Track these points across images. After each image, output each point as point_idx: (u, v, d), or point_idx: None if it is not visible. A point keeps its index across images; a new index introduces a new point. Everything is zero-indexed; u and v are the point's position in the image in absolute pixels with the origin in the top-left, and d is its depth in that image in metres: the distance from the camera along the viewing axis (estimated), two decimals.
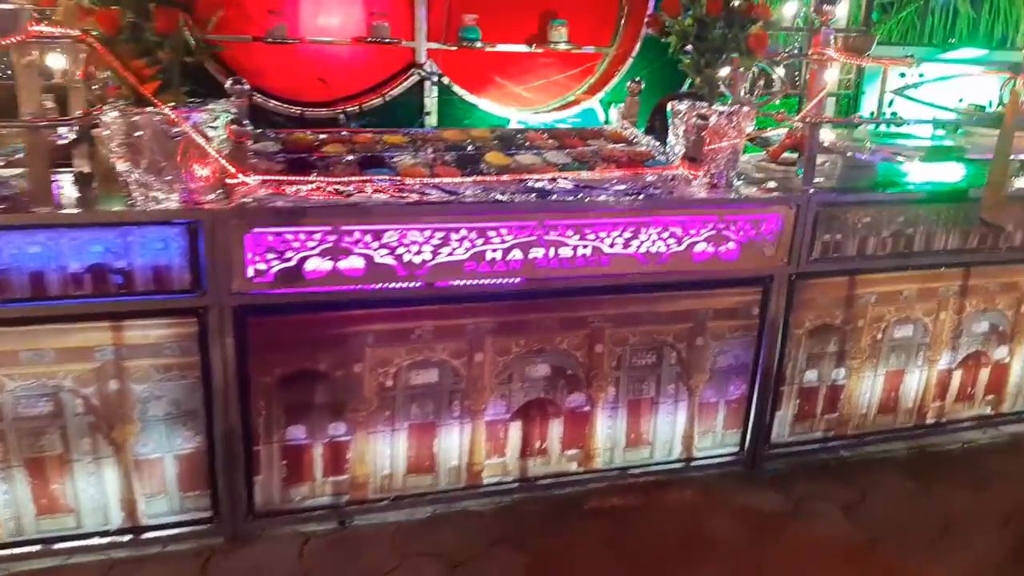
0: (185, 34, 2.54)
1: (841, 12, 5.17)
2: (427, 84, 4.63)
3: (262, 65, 4.72)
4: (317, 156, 3.01)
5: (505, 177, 2.83)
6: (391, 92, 4.62)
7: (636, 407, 3.18)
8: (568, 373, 3.05)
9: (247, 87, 3.11)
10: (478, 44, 4.65)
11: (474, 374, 2.95)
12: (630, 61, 4.80)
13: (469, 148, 3.19)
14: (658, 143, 3.30)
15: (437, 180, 2.78)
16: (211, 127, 2.58)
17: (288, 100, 4.72)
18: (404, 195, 2.71)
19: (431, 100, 4.65)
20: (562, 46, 4.72)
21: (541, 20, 4.88)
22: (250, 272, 2.60)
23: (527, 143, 3.30)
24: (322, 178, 2.71)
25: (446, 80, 4.64)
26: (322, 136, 3.26)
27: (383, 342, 2.83)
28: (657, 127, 3.37)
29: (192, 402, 2.73)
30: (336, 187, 2.70)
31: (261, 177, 2.67)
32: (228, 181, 2.62)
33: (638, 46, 4.81)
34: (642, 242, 2.88)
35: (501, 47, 4.76)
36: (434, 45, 4.66)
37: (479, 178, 2.81)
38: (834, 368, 3.41)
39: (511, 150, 3.19)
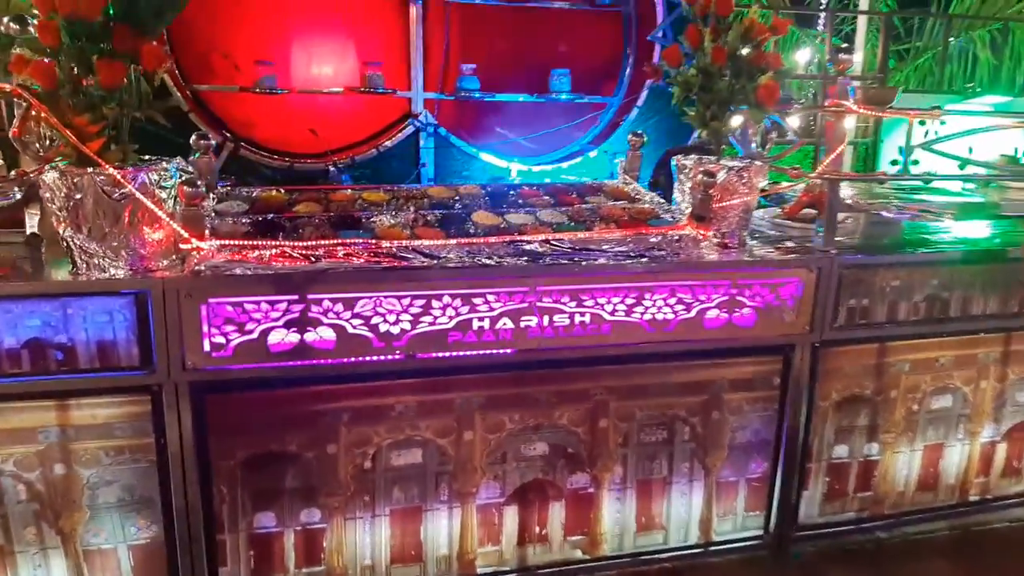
0: (138, 86, 2.30)
1: (856, 59, 4.93)
2: (423, 135, 4.41)
3: (252, 115, 4.52)
4: (287, 216, 2.74)
5: (493, 239, 2.55)
6: (385, 143, 4.40)
7: (647, 488, 2.84)
8: (569, 451, 2.73)
9: (211, 142, 2.87)
10: (476, 94, 4.43)
11: (463, 454, 2.63)
12: (635, 111, 4.57)
13: (456, 207, 2.92)
14: (662, 200, 3.02)
15: (417, 243, 2.50)
16: (162, 187, 2.32)
17: (278, 151, 4.51)
18: (380, 260, 2.43)
19: (428, 151, 4.42)
20: (564, 96, 4.49)
21: (542, 69, 4.67)
22: (207, 346, 2.32)
23: (520, 200, 3.02)
24: (287, 242, 2.43)
25: (443, 131, 4.41)
26: (295, 195, 3.00)
27: (360, 420, 2.53)
28: (662, 182, 3.10)
29: (147, 488, 2.43)
30: (303, 252, 2.43)
31: (219, 242, 2.39)
32: (182, 247, 2.35)
33: (644, 95, 4.58)
34: (647, 308, 2.58)
35: (501, 97, 4.54)
36: (431, 95, 4.44)
37: (464, 240, 2.52)
38: (866, 443, 3.07)
39: (502, 208, 2.91)
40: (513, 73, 4.63)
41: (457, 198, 3.00)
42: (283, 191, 3.02)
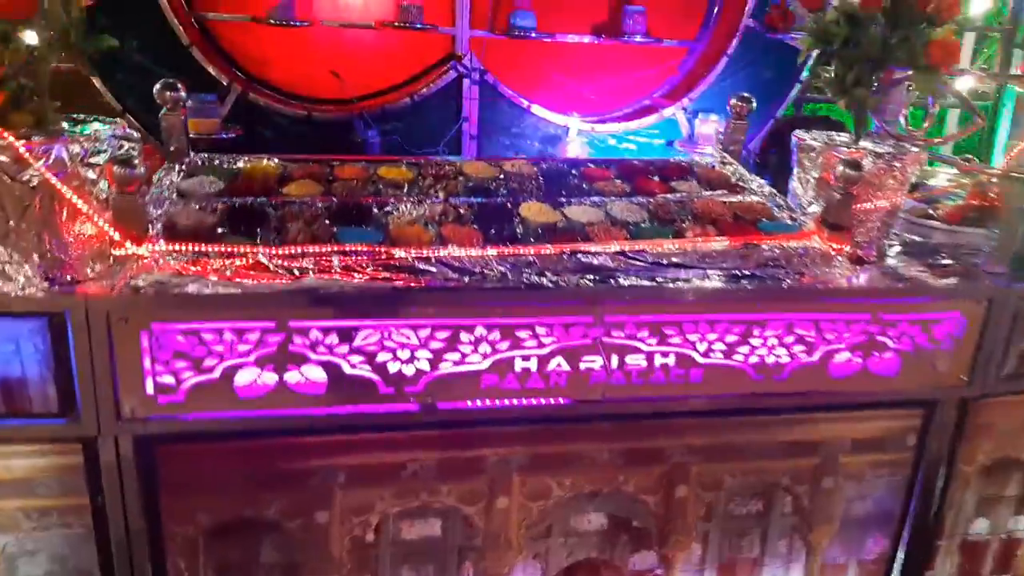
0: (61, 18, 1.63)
1: None
2: (467, 82, 3.67)
3: (267, 52, 3.82)
4: (275, 201, 2.06)
5: (548, 249, 1.84)
6: (421, 91, 3.67)
7: (731, 570, 2.18)
8: (634, 525, 2.07)
9: (180, 94, 2.19)
10: (533, 34, 3.66)
11: (495, 526, 1.98)
12: (724, 61, 3.76)
13: (500, 192, 2.21)
14: (773, 190, 2.26)
15: (443, 252, 1.81)
16: (91, 165, 1.66)
17: (296, 96, 3.81)
18: (391, 276, 1.75)
19: (471, 103, 3.68)
20: (638, 38, 3.71)
21: (613, 6, 3.87)
22: (150, 388, 1.68)
23: (584, 185, 2.30)
24: (260, 248, 1.76)
25: (491, 77, 3.66)
26: (290, 167, 2.32)
27: (359, 481, 1.89)
28: (772, 162, 2.33)
29: (83, 559, 1.84)
30: (287, 260, 1.75)
31: (169, 246, 1.73)
32: (116, 252, 1.70)
33: (735, 42, 3.76)
34: (753, 349, 1.87)
35: (562, 37, 3.77)
36: (478, 33, 3.69)
37: (507, 250, 1.82)
38: (1012, 515, 2.36)
39: (560, 196, 2.19)
40: (575, 9, 3.84)
41: (501, 179, 2.29)
42: (276, 162, 2.34)
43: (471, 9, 3.61)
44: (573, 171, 2.37)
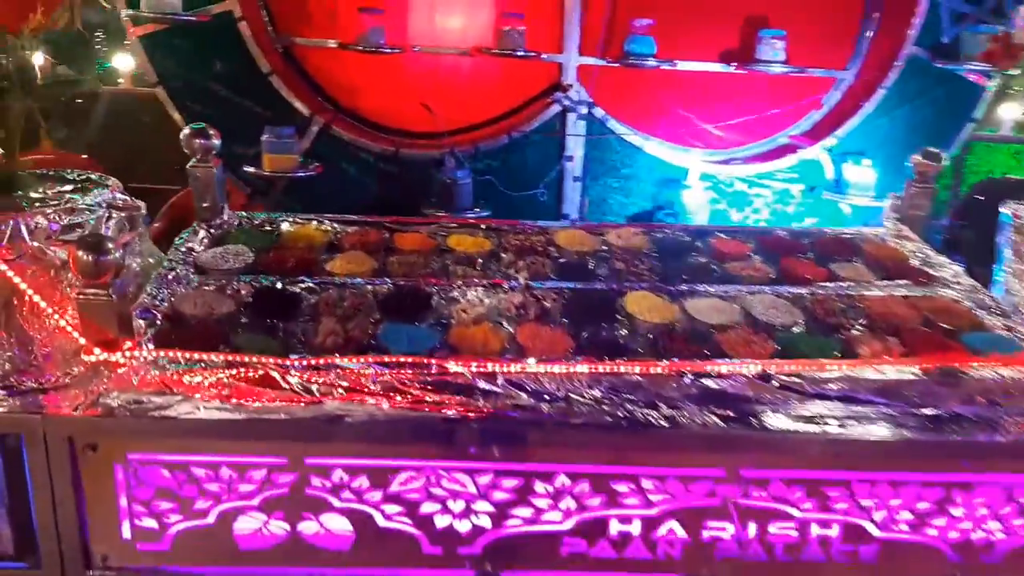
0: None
1: None
2: (572, 116, 3.21)
3: (353, 82, 3.47)
4: (312, 282, 1.65)
5: (660, 366, 1.32)
6: (521, 127, 3.23)
7: None
8: None
9: (212, 142, 1.82)
10: (651, 61, 3.16)
11: None
12: (879, 94, 3.15)
13: (600, 273, 1.72)
14: (974, 282, 1.67)
15: (515, 367, 1.32)
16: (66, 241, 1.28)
17: (383, 129, 3.43)
18: (443, 398, 1.28)
19: (576, 140, 3.21)
20: (776, 67, 3.15)
21: (746, 30, 3.32)
22: (127, 531, 1.28)
23: (713, 264, 1.78)
24: (272, 359, 1.32)
25: (600, 111, 3.19)
26: (341, 231, 1.90)
27: None
28: (968, 240, 1.75)
29: None
30: (308, 374, 1.31)
31: (154, 353, 1.32)
32: (85, 357, 1.30)
33: (894, 73, 3.14)
34: (954, 521, 1.31)
35: (685, 65, 3.25)
36: (587, 60, 3.22)
37: (605, 367, 1.32)
38: None
39: (680, 282, 1.67)
40: (700, 33, 3.31)
41: (603, 254, 1.79)
42: (326, 226, 1.93)
43: (581, 34, 3.14)
44: (698, 244, 1.85)
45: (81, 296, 1.29)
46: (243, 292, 1.61)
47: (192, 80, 3.18)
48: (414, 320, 1.52)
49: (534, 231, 1.92)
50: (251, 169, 3.01)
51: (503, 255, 1.79)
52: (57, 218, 1.36)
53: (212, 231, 1.87)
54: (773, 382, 1.33)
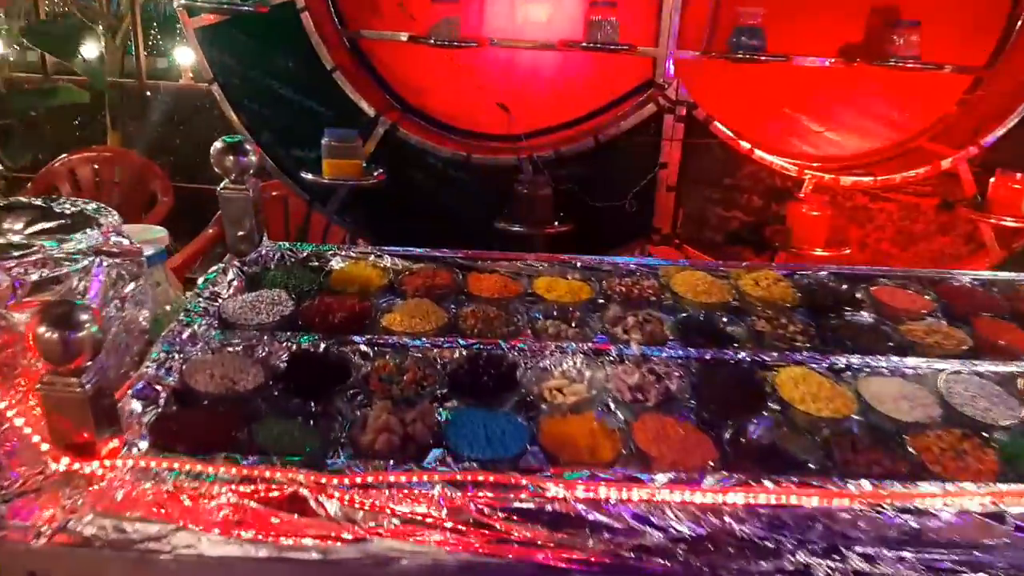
0: None
1: None
2: (669, 118, 2.77)
3: (424, 79, 3.09)
4: (364, 344, 1.28)
5: (846, 493, 0.90)
6: (609, 129, 2.81)
7: None
8: None
9: (250, 158, 1.48)
10: (762, 56, 2.69)
11: None
12: None
13: (736, 334, 1.30)
14: None
15: (640, 494, 0.92)
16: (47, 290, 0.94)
17: (455, 131, 3.05)
18: (533, 533, 0.89)
19: (672, 144, 2.77)
20: (910, 63, 2.65)
21: (873, 21, 2.82)
22: None
23: (884, 321, 1.34)
24: (302, 473, 0.95)
25: (701, 113, 2.74)
26: (405, 270, 1.52)
27: None
28: None
29: None
30: (348, 491, 0.94)
31: (152, 460, 0.97)
32: (52, 465, 0.95)
33: None
34: None
35: (800, 61, 2.76)
36: (687, 54, 2.77)
37: (765, 492, 0.91)
38: None
39: (843, 350, 1.24)
40: (818, 25, 2.82)
41: (735, 304, 1.37)
42: (384, 260, 1.55)
43: (680, 24, 2.69)
44: (858, 294, 1.41)
45: (43, 387, 0.94)
46: (276, 357, 1.24)
47: (249, 77, 2.85)
48: (493, 403, 1.13)
49: (642, 272, 1.51)
50: (310, 176, 2.67)
51: (607, 306, 1.38)
52: (23, 272, 1.01)
53: (245, 269, 1.51)
54: (1009, 523, 0.89)
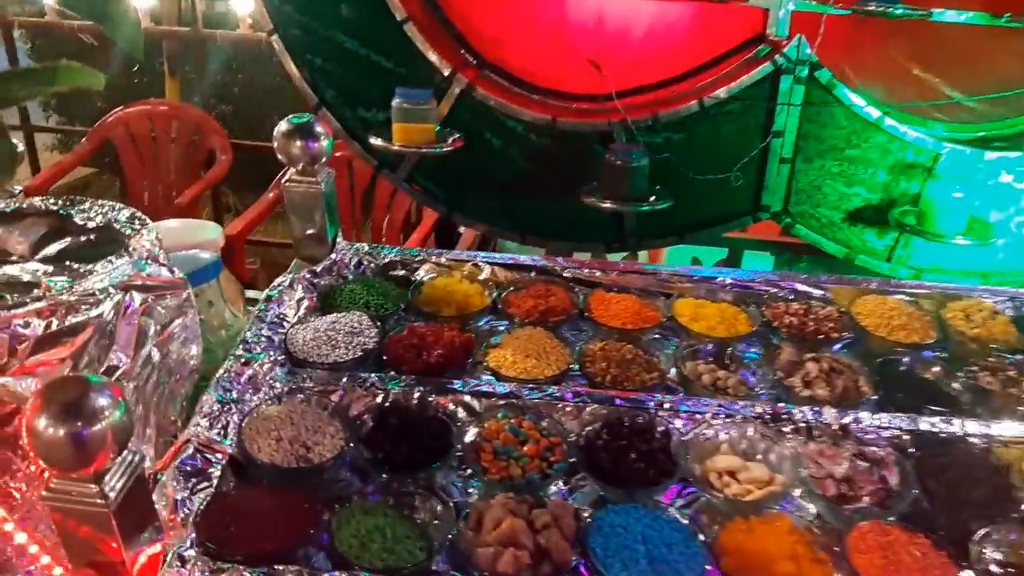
0: None
1: None
2: (786, 80, 2.36)
3: (503, 33, 2.70)
4: (465, 392, 0.96)
5: None
6: (716, 92, 2.41)
7: None
8: None
9: (322, 143, 1.14)
10: (898, 9, 2.25)
11: None
12: None
13: (951, 388, 0.95)
14: None
15: None
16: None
17: (540, 89, 2.67)
18: None
19: (788, 110, 2.37)
20: None
21: None
22: None
23: None
24: None
25: (824, 74, 2.32)
26: (508, 283, 1.19)
27: None
28: None
29: None
30: None
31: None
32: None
33: None
34: None
35: (940, 16, 2.32)
36: (808, 6, 2.34)
37: None
38: None
39: None
40: None
41: (940, 345, 1.02)
42: (483, 269, 1.23)
43: None
44: None
45: (51, 498, 0.65)
46: (358, 410, 0.93)
47: (312, 27, 2.50)
48: (644, 491, 0.81)
49: (811, 295, 1.16)
50: (378, 142, 2.33)
51: (775, 344, 1.04)
52: (24, 325, 0.71)
53: (316, 281, 1.20)
54: None
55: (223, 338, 1.10)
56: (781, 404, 1.00)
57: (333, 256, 1.25)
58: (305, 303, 1.17)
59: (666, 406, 0.99)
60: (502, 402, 1.00)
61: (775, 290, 1.25)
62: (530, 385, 1.03)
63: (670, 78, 2.55)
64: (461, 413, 1.00)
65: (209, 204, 3.64)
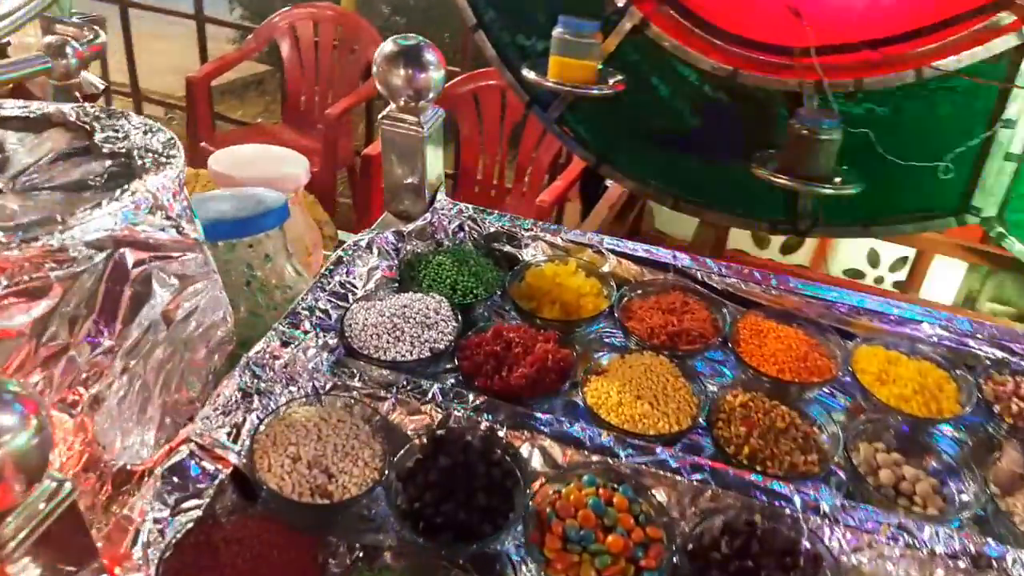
0: None
1: None
2: None
3: None
4: (542, 429, 0.66)
5: None
6: (937, 60, 1.92)
7: None
8: None
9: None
10: None
11: None
12: None
13: None
14: None
15: None
16: None
17: (721, 33, 2.26)
18: None
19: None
20: None
21: None
22: None
23: None
24: None
25: None
26: (621, 275, 0.87)
27: None
28: None
29: None
30: None
31: None
32: None
33: None
34: None
35: None
36: None
37: None
38: None
39: None
40: None
41: None
42: (606, 259, 0.91)
43: None
44: None
45: None
46: (412, 428, 0.68)
47: None
48: None
49: None
50: (531, 75, 2.03)
51: (995, 440, 0.69)
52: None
53: (400, 245, 0.93)
54: None
55: (277, 301, 0.88)
56: (991, 541, 0.66)
57: (429, 216, 0.99)
58: (379, 273, 0.92)
59: (823, 511, 0.67)
60: (595, 457, 0.72)
61: (1009, 356, 0.87)
62: (635, 441, 0.74)
63: (884, 38, 2.06)
64: (536, 460, 0.73)
65: (363, 119, 3.48)
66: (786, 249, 2.65)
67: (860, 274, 2.64)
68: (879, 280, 2.64)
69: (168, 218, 0.65)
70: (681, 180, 2.16)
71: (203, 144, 2.91)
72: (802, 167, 1.86)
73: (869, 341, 0.88)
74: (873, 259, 2.66)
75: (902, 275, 2.64)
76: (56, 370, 0.62)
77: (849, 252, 2.61)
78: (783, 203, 2.08)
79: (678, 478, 0.70)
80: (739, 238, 2.50)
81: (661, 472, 0.71)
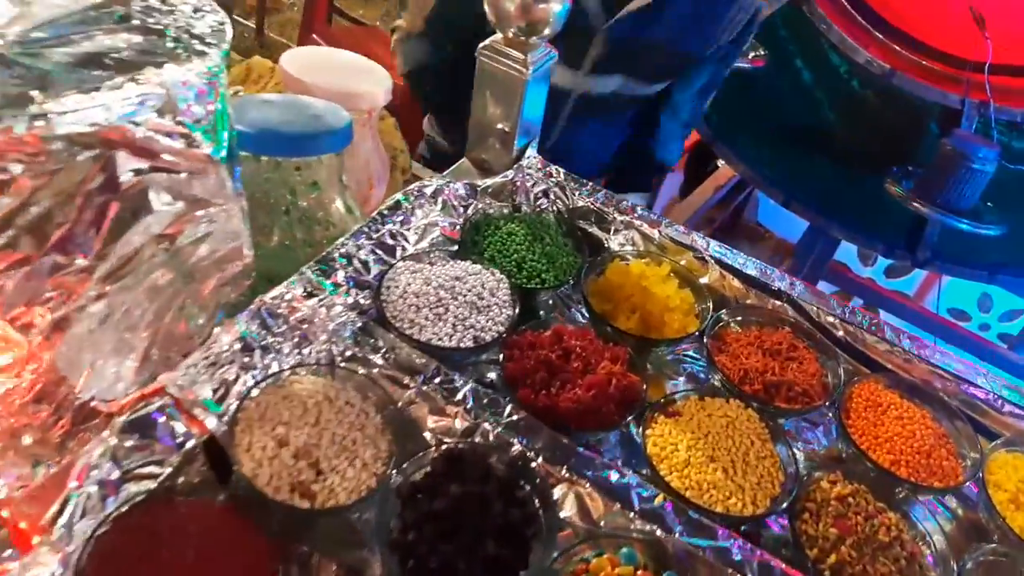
0: None
1: None
2: None
3: None
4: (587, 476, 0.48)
5: None
6: None
7: None
8: None
9: None
10: None
11: None
12: None
13: None
14: None
15: None
16: None
17: (888, 27, 1.95)
18: None
19: None
20: None
21: None
22: None
23: None
24: None
25: None
26: (714, 295, 0.67)
27: None
28: None
29: None
30: None
31: None
32: None
33: None
34: None
35: None
36: None
37: None
38: None
39: None
40: None
41: None
42: (706, 271, 0.72)
43: None
44: None
45: None
46: (430, 428, 0.52)
47: None
48: None
49: None
50: None
51: None
52: None
53: (470, 202, 0.76)
54: None
55: (317, 238, 0.73)
56: None
57: (512, 173, 0.81)
58: (437, 230, 0.75)
59: None
60: (640, 523, 0.55)
61: None
62: (696, 515, 0.56)
63: None
64: (569, 507, 0.56)
65: None
66: (892, 272, 2.36)
67: (966, 316, 2.34)
68: (984, 327, 2.34)
69: (179, 123, 0.50)
70: (799, 178, 1.91)
71: (314, 36, 2.76)
72: (942, 194, 1.59)
73: (1013, 446, 0.68)
74: (984, 304, 2.35)
75: (1011, 327, 2.32)
76: (8, 282, 0.49)
77: (961, 290, 2.31)
78: (907, 227, 1.82)
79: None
80: (842, 248, 2.23)
81: (720, 563, 0.54)
